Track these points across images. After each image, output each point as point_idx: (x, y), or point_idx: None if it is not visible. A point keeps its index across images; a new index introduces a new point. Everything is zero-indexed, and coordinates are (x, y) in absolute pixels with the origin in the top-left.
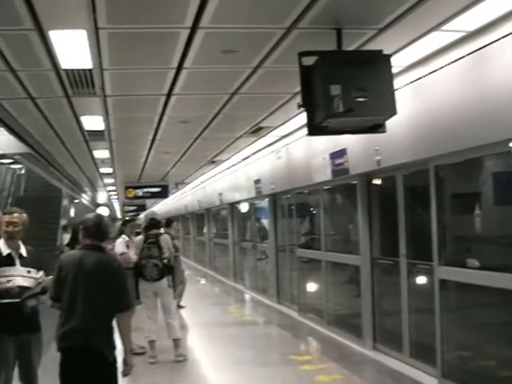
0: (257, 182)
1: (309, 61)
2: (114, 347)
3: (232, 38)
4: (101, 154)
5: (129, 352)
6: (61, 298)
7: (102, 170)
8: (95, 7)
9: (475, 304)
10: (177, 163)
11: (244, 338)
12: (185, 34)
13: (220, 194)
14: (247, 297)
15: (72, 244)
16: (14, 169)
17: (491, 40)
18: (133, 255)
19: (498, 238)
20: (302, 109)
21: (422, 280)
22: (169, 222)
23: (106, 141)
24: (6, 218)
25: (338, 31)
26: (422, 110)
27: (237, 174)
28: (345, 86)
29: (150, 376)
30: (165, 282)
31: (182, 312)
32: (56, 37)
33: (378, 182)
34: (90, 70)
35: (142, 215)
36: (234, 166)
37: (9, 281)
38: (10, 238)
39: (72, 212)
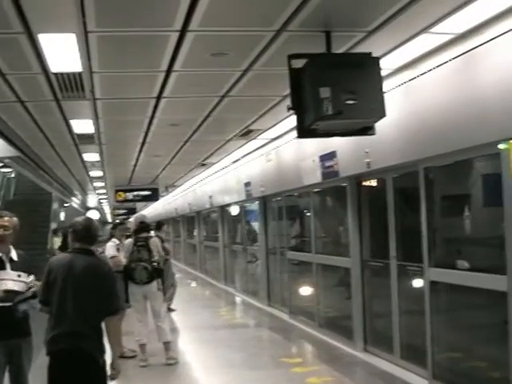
0: (247, 184)
1: (298, 63)
2: (103, 351)
3: (221, 40)
4: (91, 157)
5: (117, 356)
6: (50, 302)
7: (92, 173)
8: (84, 11)
9: (465, 305)
10: (167, 166)
11: (235, 341)
12: (174, 36)
13: (210, 197)
14: (238, 299)
15: (63, 248)
16: (4, 172)
17: (480, 42)
18: (123, 258)
19: (487, 240)
20: (291, 111)
21: (412, 282)
22: (159, 224)
23: (95, 144)
24: None
25: (328, 34)
26: (411, 113)
27: (227, 177)
28: (334, 88)
29: (140, 380)
30: (154, 285)
31: (173, 315)
32: (45, 40)
33: (367, 184)
34: (79, 73)
35: (132, 218)
36: (224, 168)
37: None
38: (1, 242)
39: (62, 216)
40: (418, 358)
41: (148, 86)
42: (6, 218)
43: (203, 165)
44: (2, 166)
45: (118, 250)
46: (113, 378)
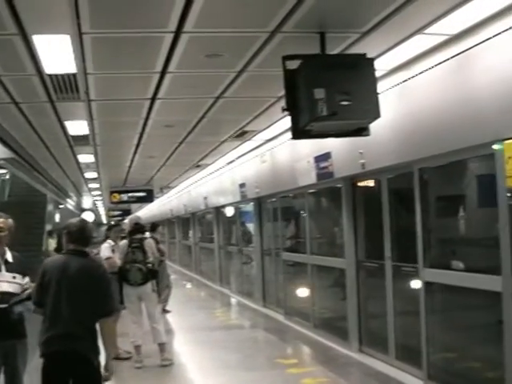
0: (242, 185)
1: (293, 64)
2: (98, 352)
3: (216, 42)
4: (85, 158)
5: (111, 357)
6: (44, 303)
7: (87, 174)
8: (79, 12)
9: (460, 306)
10: (162, 167)
11: (230, 342)
12: (169, 38)
13: (205, 198)
14: (233, 301)
15: (59, 249)
16: None
17: (474, 43)
18: (118, 260)
19: (482, 240)
20: (286, 112)
21: (407, 282)
22: (154, 226)
23: (90, 145)
24: None
25: (322, 35)
26: (405, 113)
27: (222, 178)
28: (329, 89)
29: (135, 381)
30: (149, 286)
31: (168, 316)
32: (40, 42)
33: (362, 185)
34: (74, 74)
35: (127, 220)
36: (218, 170)
37: None
38: None
39: (57, 217)
40: (412, 359)
41: (142, 87)
42: (1, 220)
43: (198, 166)
44: None
45: (113, 251)
46: (106, 379)
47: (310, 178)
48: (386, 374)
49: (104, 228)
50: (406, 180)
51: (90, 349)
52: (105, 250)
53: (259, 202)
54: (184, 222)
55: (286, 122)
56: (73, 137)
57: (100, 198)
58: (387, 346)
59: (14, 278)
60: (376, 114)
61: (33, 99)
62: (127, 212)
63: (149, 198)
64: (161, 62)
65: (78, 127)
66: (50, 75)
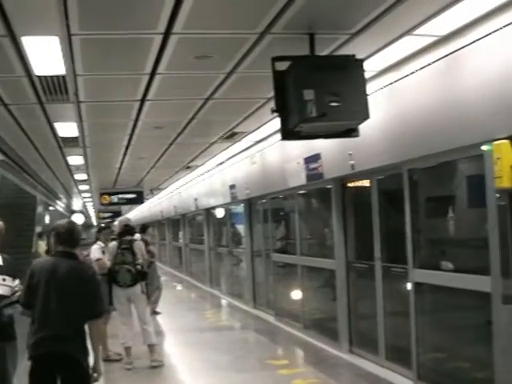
0: (232, 187)
1: (282, 66)
2: (87, 353)
3: (205, 43)
4: (75, 160)
5: (99, 358)
6: (32, 305)
7: (77, 176)
8: (68, 14)
9: (450, 306)
10: (152, 169)
11: (220, 343)
12: (158, 39)
13: (195, 200)
14: (223, 302)
15: (49, 251)
16: None
17: (462, 45)
18: (107, 261)
19: (471, 241)
20: (275, 114)
21: (396, 283)
22: (144, 227)
23: (80, 147)
24: None
25: (311, 36)
26: (394, 115)
27: (212, 180)
28: (318, 90)
29: (126, 382)
30: (138, 287)
31: (159, 318)
32: (29, 43)
33: (352, 185)
34: (63, 76)
35: (117, 222)
36: (209, 171)
37: None
38: None
39: (47, 219)
40: (402, 359)
41: (132, 88)
42: None
43: (188, 167)
44: None
45: (103, 252)
46: (95, 380)
47: (299, 179)
48: (376, 375)
49: (94, 230)
50: (395, 181)
51: (79, 350)
52: (95, 251)
53: (249, 203)
54: (174, 223)
55: (276, 123)
56: (62, 138)
57: (90, 200)
58: (377, 347)
59: (4, 280)
60: (365, 115)
61: (22, 101)
62: (117, 214)
63: (139, 199)
64: (150, 64)
65: (67, 129)
66: (39, 77)
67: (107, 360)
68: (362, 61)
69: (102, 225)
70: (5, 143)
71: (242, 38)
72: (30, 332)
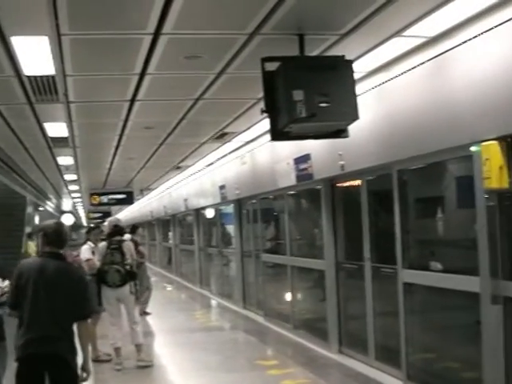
0: (222, 187)
1: (272, 66)
2: (75, 353)
3: (195, 43)
4: (65, 160)
5: (88, 358)
6: (20, 306)
7: (67, 176)
8: (57, 14)
9: (439, 306)
10: (142, 169)
11: (210, 344)
12: (148, 39)
13: (185, 200)
14: (213, 302)
15: None
16: None
17: (451, 46)
18: (97, 261)
19: (460, 242)
20: (265, 114)
21: (386, 283)
22: (134, 228)
23: (69, 147)
24: None
25: (301, 37)
26: (384, 115)
27: (202, 180)
28: (307, 91)
29: (116, 383)
30: (127, 288)
31: (148, 318)
32: (18, 43)
33: (342, 186)
34: (52, 76)
35: (106, 222)
36: (199, 171)
37: None
38: None
39: (37, 219)
40: (392, 359)
41: (122, 88)
42: None
43: (178, 168)
44: None
45: (93, 253)
46: (84, 380)
47: (289, 179)
48: (366, 375)
49: (84, 230)
50: (385, 181)
51: (68, 350)
52: (85, 251)
53: (239, 203)
54: (164, 223)
55: (266, 123)
56: (52, 139)
57: (80, 200)
58: (367, 347)
59: None
60: (354, 116)
61: (11, 101)
62: (107, 214)
63: (129, 199)
64: (140, 64)
65: (57, 129)
66: (28, 77)
67: (97, 360)
68: (351, 61)
69: (92, 225)
70: None
71: (232, 38)
72: (18, 333)
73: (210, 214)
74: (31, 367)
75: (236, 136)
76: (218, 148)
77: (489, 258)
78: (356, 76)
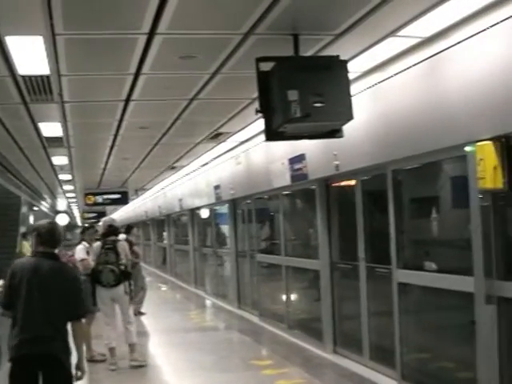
0: (216, 187)
1: (266, 66)
2: (69, 353)
3: (190, 43)
4: (59, 160)
5: (82, 356)
6: (13, 306)
7: (61, 176)
8: (52, 13)
9: (433, 306)
10: (136, 169)
11: (205, 344)
12: (142, 39)
13: (180, 200)
14: (208, 302)
15: None
16: None
17: (446, 46)
18: (91, 261)
19: (455, 241)
20: (259, 114)
21: (380, 283)
22: (128, 228)
23: (64, 147)
24: None
25: (295, 37)
26: (379, 115)
27: (197, 180)
28: (302, 91)
29: (110, 383)
30: (122, 288)
31: (143, 318)
32: (13, 43)
33: (336, 186)
34: (47, 76)
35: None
36: (193, 171)
37: None
38: None
39: (31, 219)
40: (386, 359)
41: (116, 88)
42: None
43: (173, 168)
44: None
45: (87, 253)
46: (79, 378)
47: (284, 179)
48: (361, 375)
49: (79, 230)
50: (379, 181)
51: (62, 350)
52: (79, 251)
53: (234, 203)
54: (159, 223)
55: (261, 123)
56: (47, 138)
57: (74, 200)
58: (361, 347)
59: None
60: (349, 116)
61: (6, 101)
62: (102, 214)
63: (124, 199)
64: (135, 64)
65: (51, 129)
66: (23, 76)
67: (91, 360)
68: (346, 62)
69: (86, 225)
70: None
71: (227, 38)
72: (12, 333)
73: (204, 214)
74: (25, 367)
75: (231, 136)
76: (212, 148)
77: (483, 258)
78: (351, 76)
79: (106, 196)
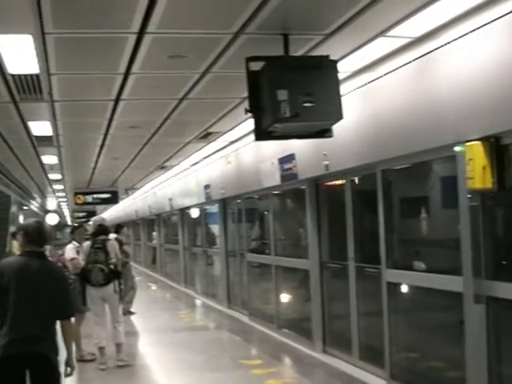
0: (206, 187)
1: (256, 66)
2: (57, 352)
3: (179, 43)
4: (49, 159)
5: (71, 353)
6: (1, 305)
7: (51, 176)
8: (41, 12)
9: (423, 306)
10: (126, 169)
11: (195, 343)
12: (132, 39)
13: (170, 200)
14: (198, 302)
15: None
16: None
17: (436, 46)
18: (81, 261)
19: (444, 241)
20: (249, 114)
21: (370, 283)
22: (118, 227)
23: (54, 146)
24: None
25: (285, 37)
26: (368, 115)
27: (187, 180)
28: (292, 91)
29: (100, 382)
30: (111, 287)
31: (133, 318)
32: (2, 41)
33: (326, 186)
34: (36, 75)
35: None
36: (183, 171)
37: None
38: None
39: (21, 219)
40: (376, 359)
41: (106, 88)
42: None
43: (163, 167)
44: None
45: (77, 252)
46: (68, 375)
47: (274, 179)
48: (350, 375)
49: (69, 230)
50: (369, 181)
51: (50, 349)
52: (69, 251)
53: (224, 203)
54: (149, 223)
55: (250, 123)
56: (36, 137)
57: (64, 200)
58: (351, 347)
59: None
60: (339, 116)
61: None
62: (92, 213)
63: (114, 199)
64: (124, 63)
65: (41, 128)
66: (12, 75)
67: (81, 360)
68: (335, 61)
69: (75, 224)
70: None
71: (217, 37)
72: (0, 333)
73: (194, 213)
74: (12, 367)
75: (221, 136)
76: (202, 148)
77: (472, 257)
78: (340, 76)
79: (96, 195)
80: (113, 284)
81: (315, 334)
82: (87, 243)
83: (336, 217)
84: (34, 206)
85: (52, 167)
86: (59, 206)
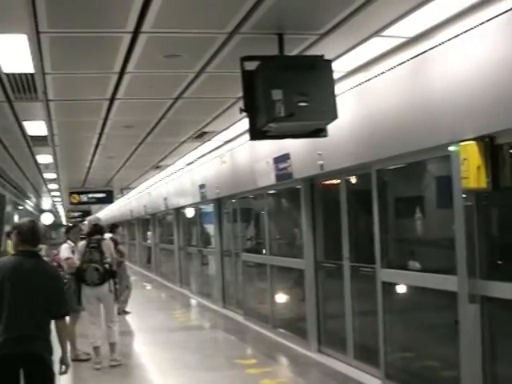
0: (201, 186)
1: (251, 66)
2: (52, 351)
3: (174, 42)
4: (44, 159)
5: (66, 352)
6: None
7: (46, 175)
8: (36, 11)
9: (418, 306)
10: (121, 168)
11: (190, 343)
12: (127, 38)
13: (165, 199)
14: (193, 302)
15: None
16: None
17: (430, 46)
18: (76, 260)
19: (438, 241)
20: (244, 113)
21: (365, 283)
22: (113, 227)
23: (49, 146)
24: None
25: (280, 36)
26: (363, 115)
27: (182, 179)
28: (286, 90)
29: (95, 382)
30: (107, 286)
31: (128, 318)
32: None
33: (321, 185)
34: (31, 74)
35: (86, 221)
36: (178, 171)
37: None
38: None
39: (16, 218)
40: (371, 358)
41: (101, 87)
42: None
43: (158, 167)
44: None
45: (72, 252)
46: (63, 373)
47: (269, 178)
48: (345, 374)
49: (64, 229)
50: (364, 181)
51: (45, 348)
52: (64, 250)
53: (219, 202)
54: (144, 223)
55: (245, 122)
56: (31, 137)
57: (59, 199)
58: (346, 346)
59: None
60: (333, 116)
61: None
62: (87, 213)
63: (109, 198)
64: (119, 62)
65: (36, 127)
66: (7, 74)
67: (76, 360)
68: (330, 61)
69: (70, 224)
70: None
71: (211, 37)
72: None
73: (189, 213)
74: (6, 366)
75: (215, 135)
76: (197, 147)
77: (466, 257)
78: (335, 76)
79: (91, 195)
80: (108, 283)
81: (310, 333)
82: (82, 243)
83: (331, 216)
84: (29, 205)
85: (47, 167)
86: (54, 205)
